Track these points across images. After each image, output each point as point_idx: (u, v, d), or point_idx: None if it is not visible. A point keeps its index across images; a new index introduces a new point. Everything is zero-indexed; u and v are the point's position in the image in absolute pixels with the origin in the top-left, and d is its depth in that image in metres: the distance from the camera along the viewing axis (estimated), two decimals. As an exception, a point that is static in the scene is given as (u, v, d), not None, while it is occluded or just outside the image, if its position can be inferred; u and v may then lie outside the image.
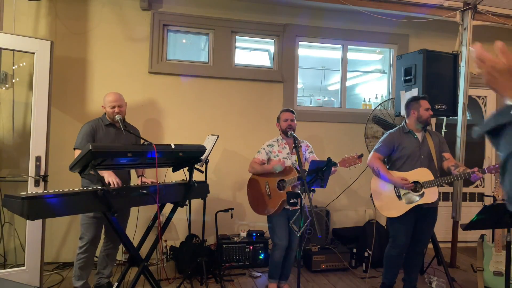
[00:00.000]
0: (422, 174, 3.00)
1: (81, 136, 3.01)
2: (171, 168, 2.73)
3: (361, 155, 3.01)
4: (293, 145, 2.90)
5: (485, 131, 0.87)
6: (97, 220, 3.03)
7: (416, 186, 3.02)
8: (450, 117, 4.17)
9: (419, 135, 3.18)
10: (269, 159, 3.28)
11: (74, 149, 3.01)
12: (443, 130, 4.44)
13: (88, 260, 3.08)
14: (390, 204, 3.09)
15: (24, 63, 3.61)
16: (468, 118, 5.07)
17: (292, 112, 3.34)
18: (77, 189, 2.21)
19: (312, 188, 2.72)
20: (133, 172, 3.33)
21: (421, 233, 3.15)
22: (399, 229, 3.10)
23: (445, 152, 3.17)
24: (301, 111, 4.76)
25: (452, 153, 4.31)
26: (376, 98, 5.17)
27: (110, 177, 2.67)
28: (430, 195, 2.97)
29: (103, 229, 3.20)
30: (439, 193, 5.07)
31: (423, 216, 3.09)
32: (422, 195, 2.99)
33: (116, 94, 3.11)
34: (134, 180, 3.23)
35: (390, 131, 3.33)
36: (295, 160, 3.22)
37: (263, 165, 3.24)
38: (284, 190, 3.10)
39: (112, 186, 2.61)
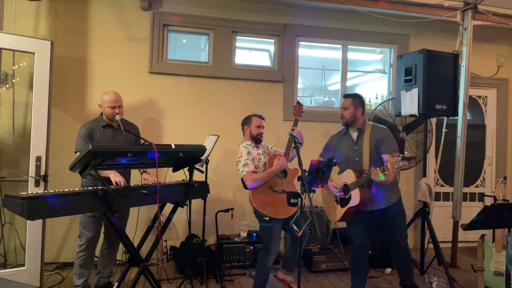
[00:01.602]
0: (349, 176, 2.89)
1: (80, 139, 3.00)
2: (171, 168, 2.73)
3: None
4: (293, 145, 2.89)
5: None
6: (95, 219, 3.03)
7: (346, 189, 2.91)
8: (451, 117, 4.17)
9: (354, 136, 3.01)
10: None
11: (76, 152, 2.98)
12: (443, 130, 4.44)
13: (88, 258, 3.08)
14: (332, 208, 3.05)
15: (24, 63, 3.61)
16: (469, 118, 5.07)
17: (264, 118, 3.35)
18: (77, 189, 2.21)
19: (312, 188, 2.72)
20: (133, 171, 3.32)
21: (389, 234, 3.04)
22: (353, 231, 3.03)
23: (385, 154, 2.82)
24: (301, 111, 4.76)
25: (452, 153, 4.33)
26: (377, 98, 5.17)
27: (115, 177, 2.67)
28: (354, 198, 2.84)
29: (103, 229, 3.20)
30: (440, 193, 5.14)
31: (381, 219, 2.96)
32: (350, 198, 2.88)
33: (116, 93, 3.09)
34: (134, 180, 3.23)
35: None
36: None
37: (264, 171, 3.09)
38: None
39: (119, 186, 2.61)
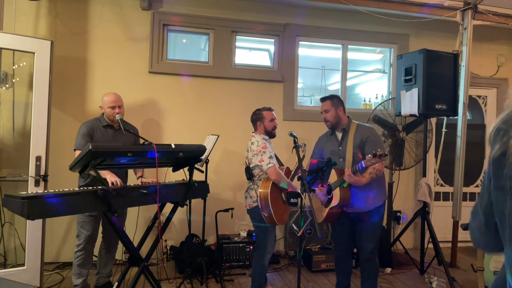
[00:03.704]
0: (332, 176, 2.87)
1: (80, 137, 3.01)
2: (171, 168, 2.73)
3: None
4: (293, 145, 2.89)
5: None
6: (93, 218, 3.04)
7: (329, 189, 2.88)
8: (450, 117, 4.17)
9: (339, 136, 2.96)
10: None
11: (75, 150, 3.01)
12: (443, 130, 4.44)
13: (86, 258, 3.08)
14: (319, 209, 3.02)
15: (24, 63, 3.61)
16: (469, 118, 5.08)
17: (273, 110, 3.26)
18: (77, 189, 2.21)
19: (312, 188, 2.72)
20: (131, 172, 3.32)
21: (358, 240, 2.94)
22: (334, 231, 3.07)
23: (368, 154, 2.68)
24: (301, 111, 4.77)
25: (452, 153, 4.34)
26: (377, 98, 5.17)
27: (112, 177, 2.67)
28: (335, 197, 2.81)
29: (101, 228, 3.21)
30: (440, 193, 5.14)
31: (354, 222, 2.91)
32: (332, 199, 2.84)
33: (116, 94, 3.12)
34: (132, 181, 3.23)
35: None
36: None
37: (287, 179, 3.07)
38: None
39: (115, 186, 2.61)
